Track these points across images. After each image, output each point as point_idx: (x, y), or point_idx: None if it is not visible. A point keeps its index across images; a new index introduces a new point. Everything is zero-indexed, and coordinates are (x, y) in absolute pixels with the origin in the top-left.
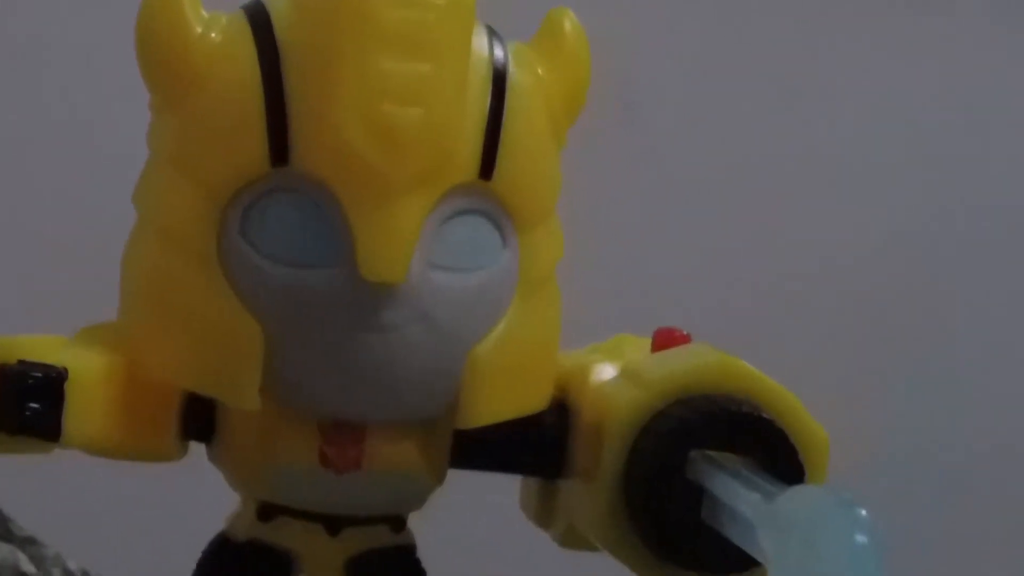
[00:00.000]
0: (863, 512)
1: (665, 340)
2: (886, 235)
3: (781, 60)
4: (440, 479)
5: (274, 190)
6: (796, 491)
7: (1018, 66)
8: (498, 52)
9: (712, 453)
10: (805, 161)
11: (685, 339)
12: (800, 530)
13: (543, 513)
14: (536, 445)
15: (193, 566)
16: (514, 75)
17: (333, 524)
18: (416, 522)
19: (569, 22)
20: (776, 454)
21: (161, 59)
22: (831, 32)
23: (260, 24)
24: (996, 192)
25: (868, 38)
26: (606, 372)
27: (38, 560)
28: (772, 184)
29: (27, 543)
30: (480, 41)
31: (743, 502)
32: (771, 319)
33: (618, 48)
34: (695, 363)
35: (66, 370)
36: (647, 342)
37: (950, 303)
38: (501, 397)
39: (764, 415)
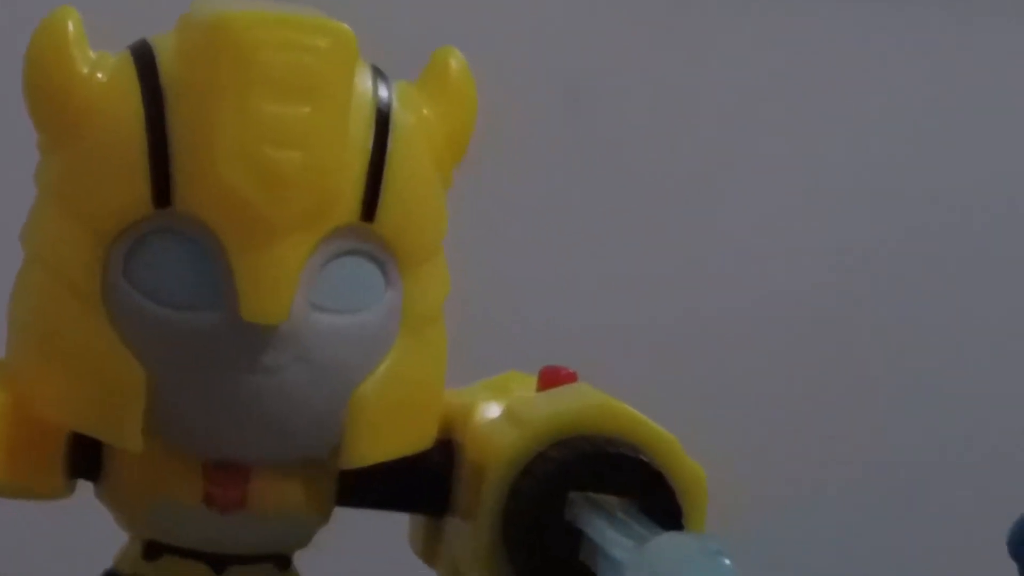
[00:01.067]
0: (727, 561)
1: (551, 379)
2: (845, 233)
3: (732, 50)
4: (326, 518)
5: (157, 231)
6: (665, 537)
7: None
8: (382, 93)
9: (592, 495)
10: (757, 155)
11: (571, 377)
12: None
13: (429, 550)
14: (421, 483)
15: None
16: (398, 116)
17: (218, 563)
18: (302, 559)
19: (455, 61)
20: (655, 495)
21: (47, 98)
22: (787, 22)
23: (145, 64)
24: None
25: (825, 30)
26: (491, 411)
27: None
28: (722, 180)
29: None
30: (364, 82)
31: (615, 545)
32: (723, 321)
33: (562, 40)
34: (576, 405)
35: None
36: (534, 380)
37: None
38: (384, 436)
39: (642, 457)
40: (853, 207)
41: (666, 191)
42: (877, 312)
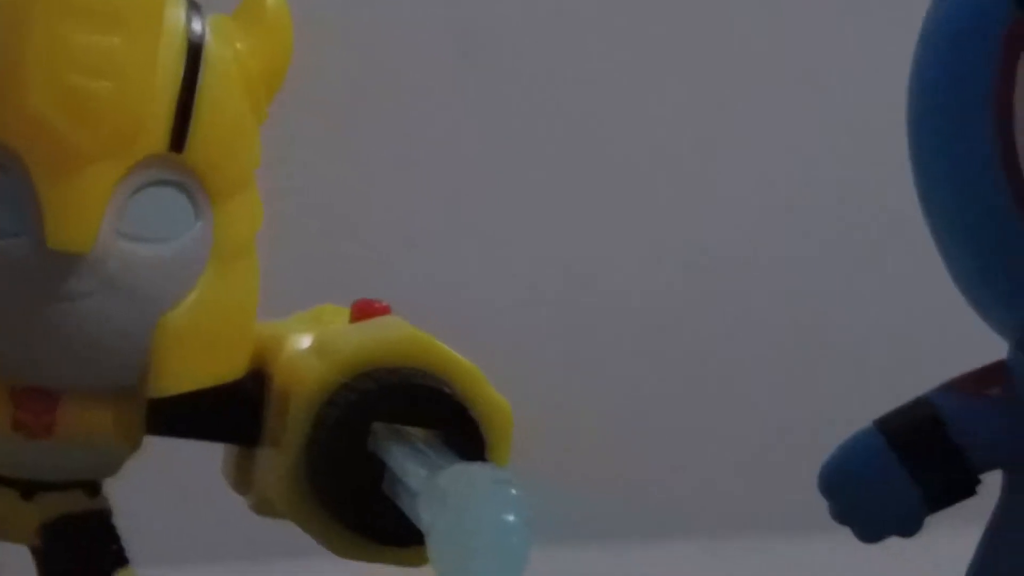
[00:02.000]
0: (514, 491)
1: (363, 311)
2: (744, 210)
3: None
4: (135, 446)
5: None
6: (457, 468)
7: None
8: (195, 25)
9: (395, 426)
10: (658, 108)
11: (384, 310)
12: (454, 504)
13: (240, 480)
14: (232, 413)
15: None
16: (210, 48)
17: (27, 489)
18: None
19: None
20: (460, 428)
21: None
22: None
23: None
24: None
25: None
26: (302, 342)
27: None
28: (618, 137)
29: None
30: (176, 14)
31: (412, 475)
32: (609, 270)
33: None
34: (382, 336)
35: None
36: (348, 312)
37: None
38: (192, 365)
39: (446, 389)
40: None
41: (560, 147)
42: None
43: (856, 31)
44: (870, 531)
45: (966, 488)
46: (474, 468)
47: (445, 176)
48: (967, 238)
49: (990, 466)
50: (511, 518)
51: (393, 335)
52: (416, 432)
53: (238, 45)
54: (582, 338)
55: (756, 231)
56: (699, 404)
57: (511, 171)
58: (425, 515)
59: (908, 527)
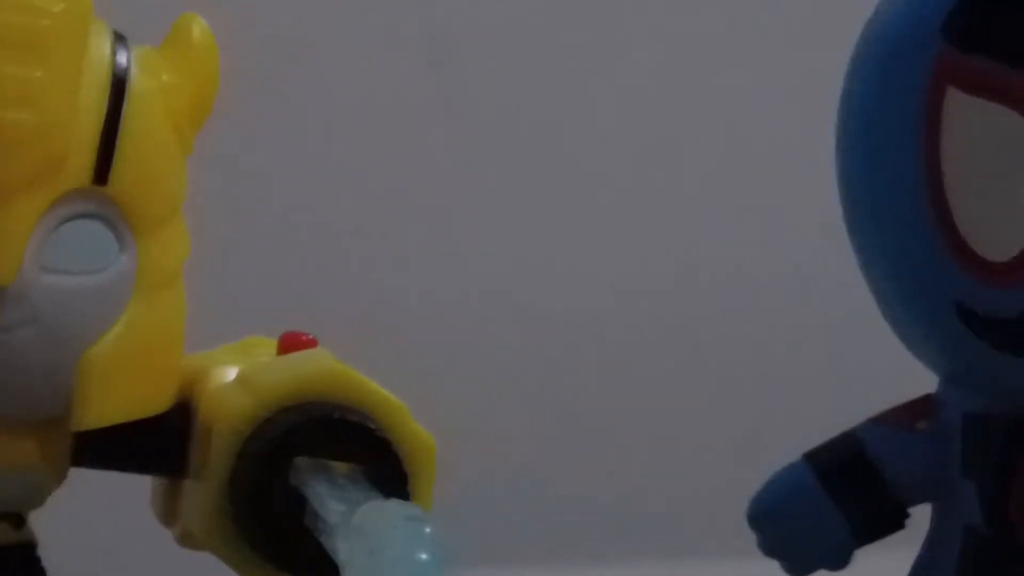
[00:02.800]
0: (428, 529)
1: (290, 344)
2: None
3: (606, 10)
4: (61, 478)
5: None
6: (373, 504)
7: None
8: (120, 57)
9: (318, 460)
10: (628, 117)
11: (311, 343)
12: (369, 542)
13: (166, 512)
14: (158, 445)
15: None
16: (135, 81)
17: None
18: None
19: (197, 28)
20: (382, 462)
21: None
22: None
23: None
24: None
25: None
26: (227, 374)
27: None
28: (590, 144)
29: None
30: (101, 46)
31: (330, 510)
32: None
33: (423, 4)
34: (306, 370)
35: None
36: (275, 344)
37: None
38: (115, 398)
39: (368, 424)
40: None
41: (530, 156)
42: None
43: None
44: (799, 565)
45: (895, 521)
46: (389, 505)
47: (413, 189)
48: (893, 271)
49: (918, 499)
50: (424, 556)
51: (316, 369)
52: (339, 466)
53: (164, 77)
54: (548, 350)
55: (739, 240)
56: (670, 421)
57: (480, 181)
58: (341, 551)
59: (837, 561)
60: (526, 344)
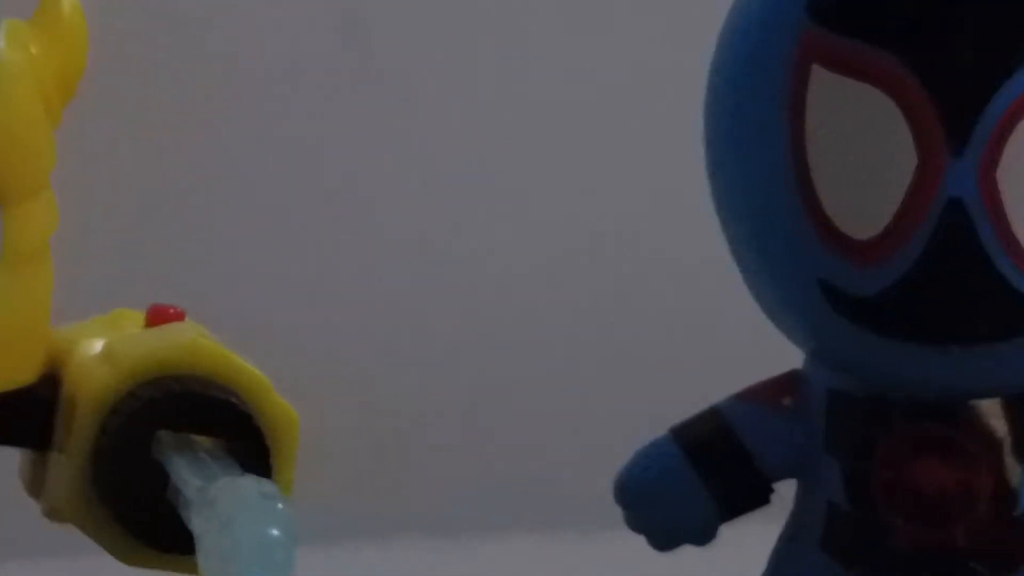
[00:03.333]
0: (280, 506)
1: (157, 317)
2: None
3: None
4: None
5: None
6: (227, 479)
7: None
8: None
9: (180, 435)
10: (543, 91)
11: (179, 316)
12: (221, 516)
13: (33, 485)
14: (24, 418)
15: None
16: (3, 52)
17: None
18: None
19: (67, 1)
20: (245, 436)
21: None
22: None
23: None
24: None
25: None
26: (94, 347)
27: None
28: (507, 119)
29: None
30: None
31: (189, 485)
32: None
33: None
34: (170, 343)
35: None
36: (143, 317)
37: None
38: None
39: (231, 398)
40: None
41: (449, 128)
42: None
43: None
44: (664, 539)
45: (760, 496)
46: (244, 481)
47: (318, 173)
48: (759, 248)
49: (783, 475)
50: (275, 532)
51: (180, 343)
52: (202, 440)
53: (33, 49)
54: (434, 330)
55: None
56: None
57: (388, 164)
58: (196, 525)
59: (702, 536)
60: (409, 314)
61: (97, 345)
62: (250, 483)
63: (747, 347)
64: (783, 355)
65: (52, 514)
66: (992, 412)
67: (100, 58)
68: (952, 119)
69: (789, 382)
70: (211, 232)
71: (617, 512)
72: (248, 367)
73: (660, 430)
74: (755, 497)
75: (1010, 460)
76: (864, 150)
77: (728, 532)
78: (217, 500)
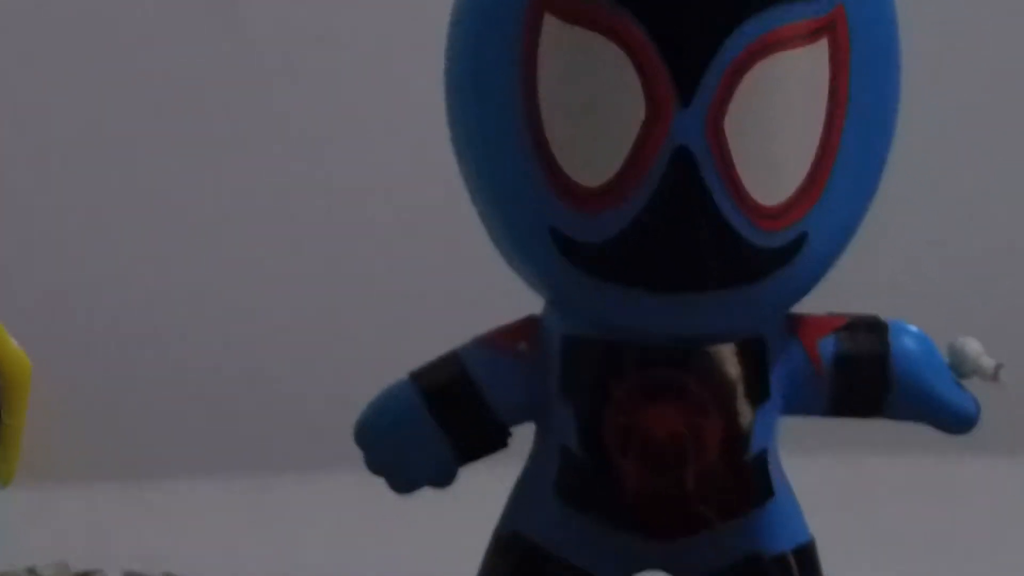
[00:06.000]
0: None
1: None
2: None
3: None
4: None
5: None
6: None
7: None
8: None
9: None
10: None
11: None
12: None
13: None
14: None
15: None
16: None
17: None
18: None
19: None
20: None
21: None
22: None
23: None
24: None
25: None
26: None
27: None
28: (375, 102)
29: None
30: None
31: None
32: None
33: None
34: None
35: None
36: None
37: None
38: None
39: None
40: None
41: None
42: None
43: None
44: (404, 482)
45: (497, 441)
46: None
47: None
48: (494, 196)
49: (520, 419)
50: None
51: None
52: None
53: None
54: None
55: None
56: None
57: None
58: None
59: (441, 479)
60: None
61: None
62: None
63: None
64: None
65: None
66: (725, 357)
67: None
68: (679, 70)
69: (526, 327)
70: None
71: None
72: None
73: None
74: (492, 441)
75: (742, 405)
76: (594, 100)
77: (467, 475)
78: None
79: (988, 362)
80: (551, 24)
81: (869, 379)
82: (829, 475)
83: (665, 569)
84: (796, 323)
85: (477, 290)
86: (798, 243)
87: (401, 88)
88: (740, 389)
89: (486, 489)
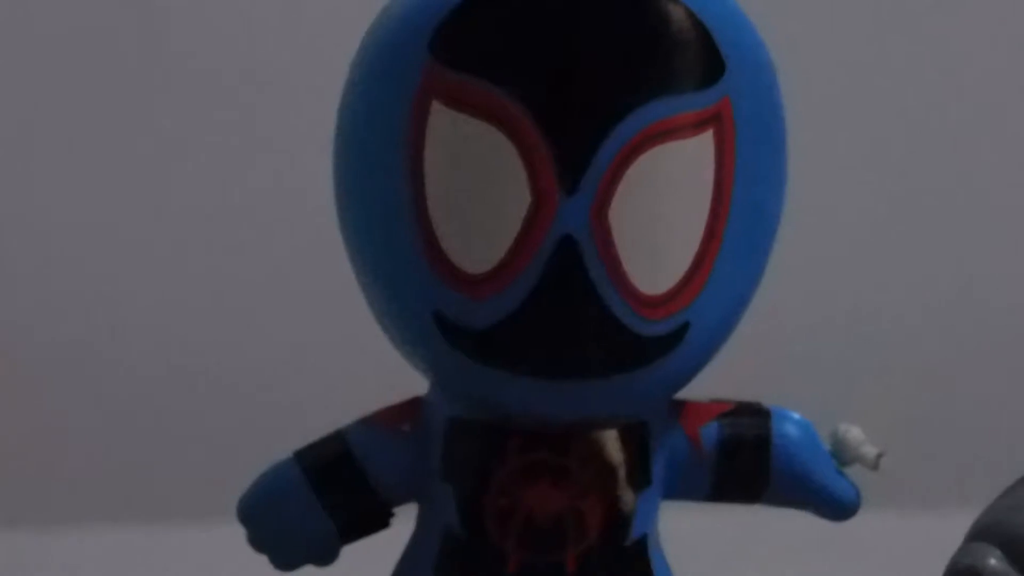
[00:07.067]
0: None
1: None
2: None
3: None
4: None
5: None
6: None
7: None
8: None
9: None
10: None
11: None
12: None
13: None
14: None
15: None
16: None
17: None
18: None
19: None
20: None
21: None
22: None
23: None
24: None
25: None
26: None
27: None
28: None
29: None
30: None
31: None
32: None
33: None
34: None
35: None
36: None
37: None
38: None
39: None
40: None
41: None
42: None
43: None
44: (285, 559)
45: (380, 520)
46: None
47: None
48: (378, 278)
49: (402, 499)
50: None
51: None
52: None
53: None
54: None
55: None
56: None
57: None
58: None
59: (323, 557)
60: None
61: None
62: None
63: None
64: None
65: None
66: (607, 442)
67: None
68: (565, 159)
69: (410, 407)
70: None
71: None
72: None
73: None
74: (374, 520)
75: (623, 489)
76: (479, 186)
77: (349, 553)
78: None
79: (870, 450)
80: (438, 110)
81: (751, 465)
82: (719, 534)
83: None
84: (679, 408)
85: None
86: (681, 331)
87: None
88: (622, 473)
89: (367, 569)
